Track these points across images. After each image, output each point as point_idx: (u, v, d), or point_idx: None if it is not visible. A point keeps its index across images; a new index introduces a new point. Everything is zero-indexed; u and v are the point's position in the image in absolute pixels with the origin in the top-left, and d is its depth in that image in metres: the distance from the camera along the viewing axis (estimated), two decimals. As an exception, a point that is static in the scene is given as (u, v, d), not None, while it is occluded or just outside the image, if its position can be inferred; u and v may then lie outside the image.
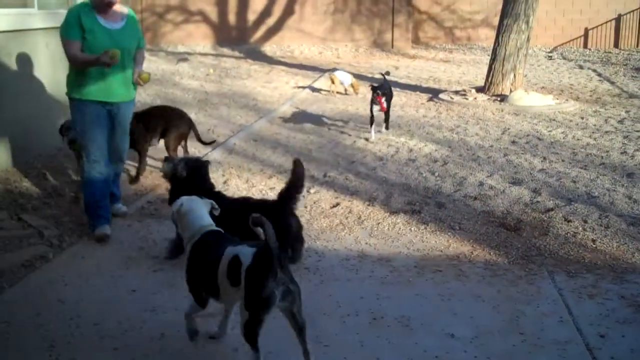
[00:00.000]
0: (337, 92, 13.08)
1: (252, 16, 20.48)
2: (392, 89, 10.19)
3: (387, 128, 9.67)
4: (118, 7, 5.64)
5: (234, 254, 3.50)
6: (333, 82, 13.11)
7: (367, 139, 9.24)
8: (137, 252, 5.39)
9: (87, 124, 5.60)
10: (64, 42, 5.47)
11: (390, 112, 9.73)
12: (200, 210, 3.96)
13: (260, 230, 3.29)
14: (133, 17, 5.81)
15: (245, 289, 3.37)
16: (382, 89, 9.31)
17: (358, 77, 14.13)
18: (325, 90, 13.48)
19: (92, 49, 5.42)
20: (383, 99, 9.22)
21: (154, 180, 7.21)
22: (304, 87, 13.85)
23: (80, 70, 5.50)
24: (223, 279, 3.56)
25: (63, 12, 5.72)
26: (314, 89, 13.61)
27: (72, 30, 5.43)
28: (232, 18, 20.63)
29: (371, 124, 9.35)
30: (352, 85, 12.97)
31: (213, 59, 17.82)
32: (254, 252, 3.41)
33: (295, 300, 3.46)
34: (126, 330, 4.15)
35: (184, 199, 4.02)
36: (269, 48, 20.00)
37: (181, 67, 16.08)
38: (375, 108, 9.29)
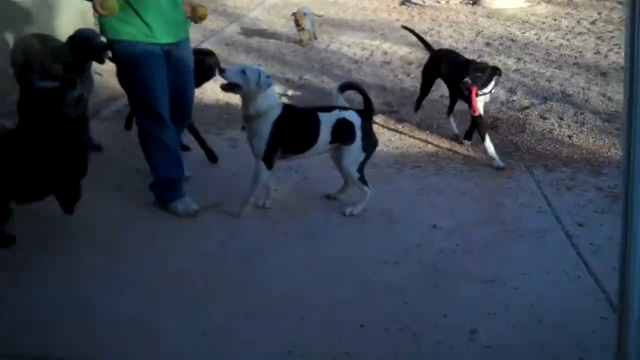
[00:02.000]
0: (301, 41, 9.09)
1: None
2: None
3: (484, 140, 5.19)
4: None
5: (340, 117, 4.25)
6: (299, 25, 8.96)
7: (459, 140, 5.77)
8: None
9: (140, 69, 4.08)
10: None
11: (363, 17, 9.27)
12: None
13: None
14: None
15: (363, 138, 4.26)
16: (475, 74, 5.15)
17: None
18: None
19: None
20: (476, 98, 5.18)
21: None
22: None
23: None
24: (325, 138, 4.24)
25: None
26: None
27: None
28: None
29: (450, 112, 5.88)
30: (313, 33, 9.33)
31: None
32: (357, 113, 4.30)
33: None
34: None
35: (261, 69, 4.18)
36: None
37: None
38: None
